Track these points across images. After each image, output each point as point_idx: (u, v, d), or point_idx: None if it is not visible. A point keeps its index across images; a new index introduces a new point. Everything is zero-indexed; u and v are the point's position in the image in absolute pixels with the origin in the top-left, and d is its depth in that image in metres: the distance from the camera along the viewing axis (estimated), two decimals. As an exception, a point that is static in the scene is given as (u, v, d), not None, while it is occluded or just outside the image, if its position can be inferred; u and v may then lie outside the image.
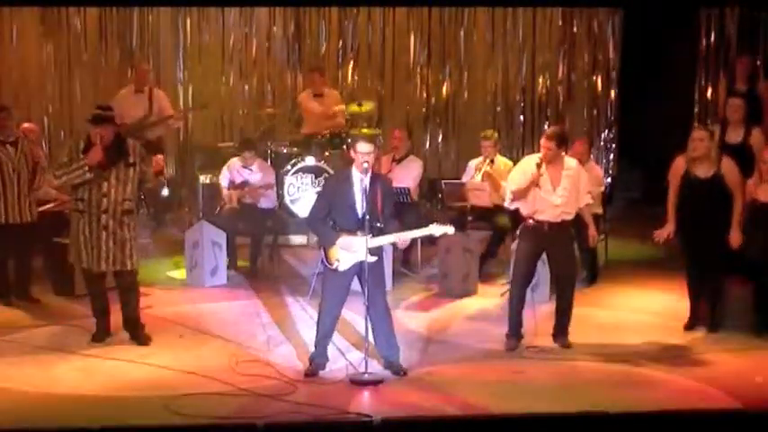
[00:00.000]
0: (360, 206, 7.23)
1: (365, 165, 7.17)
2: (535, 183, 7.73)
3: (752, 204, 8.20)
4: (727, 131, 9.46)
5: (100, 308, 8.04)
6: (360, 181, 7.22)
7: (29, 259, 9.16)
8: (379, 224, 7.20)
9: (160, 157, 8.99)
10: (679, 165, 8.29)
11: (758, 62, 11.79)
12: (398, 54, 13.34)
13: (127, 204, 7.84)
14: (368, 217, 7.11)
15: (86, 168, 7.66)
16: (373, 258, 7.17)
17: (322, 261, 7.35)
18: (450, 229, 7.38)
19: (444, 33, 13.36)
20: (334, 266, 7.24)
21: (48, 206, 9.34)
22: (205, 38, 13.14)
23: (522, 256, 7.97)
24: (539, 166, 7.73)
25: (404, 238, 7.40)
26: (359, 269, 7.26)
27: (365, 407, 6.79)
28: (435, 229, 7.34)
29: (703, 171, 8.17)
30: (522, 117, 13.47)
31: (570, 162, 7.95)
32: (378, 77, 13.37)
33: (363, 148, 7.20)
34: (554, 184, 7.80)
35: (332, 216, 7.31)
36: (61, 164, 7.79)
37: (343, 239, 7.21)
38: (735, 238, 8.15)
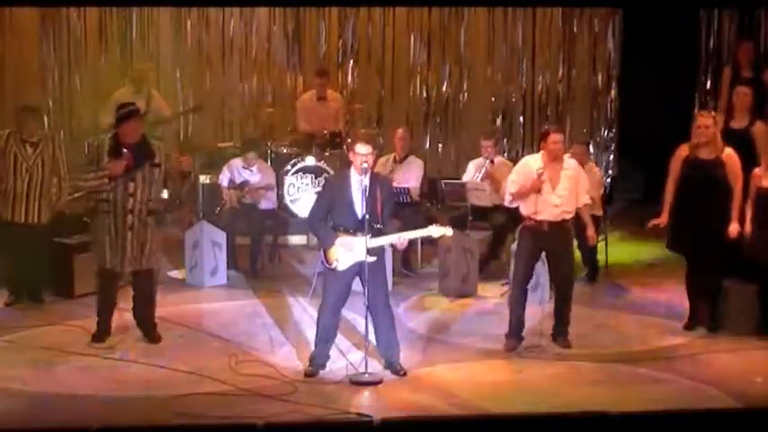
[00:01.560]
0: (359, 207, 7.23)
1: (365, 165, 7.18)
2: (536, 189, 7.73)
3: (757, 194, 8.16)
4: (732, 118, 9.47)
5: (107, 308, 8.01)
6: (359, 182, 7.22)
7: (37, 261, 9.13)
8: (378, 225, 7.20)
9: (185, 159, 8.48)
10: (681, 151, 8.28)
11: (761, 50, 11.78)
12: (398, 54, 13.33)
13: (152, 205, 7.86)
14: (367, 217, 7.12)
15: (106, 180, 7.67)
16: (372, 259, 7.17)
17: (322, 261, 7.35)
18: (448, 231, 7.40)
19: (444, 33, 13.36)
20: (333, 266, 7.25)
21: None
22: (205, 38, 13.13)
23: (521, 255, 7.98)
24: (539, 174, 7.73)
25: (403, 238, 7.39)
26: (359, 269, 7.26)
27: (365, 407, 6.80)
28: (434, 231, 7.36)
29: (706, 153, 8.17)
30: (521, 117, 13.46)
31: (569, 162, 7.96)
32: (378, 77, 13.36)
33: (362, 149, 7.21)
34: (553, 184, 7.81)
35: (331, 217, 7.32)
36: (80, 166, 7.80)
37: (343, 239, 7.21)
38: (733, 228, 8.13)
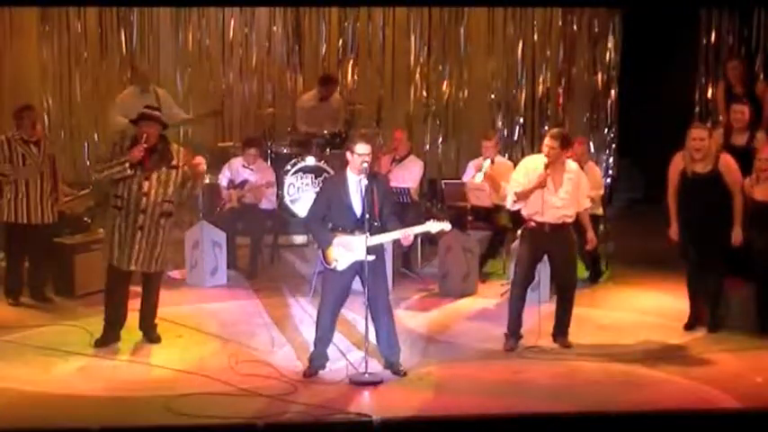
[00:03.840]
0: (357, 207, 7.23)
1: (365, 165, 7.18)
2: (542, 184, 7.73)
3: (750, 204, 8.20)
4: (732, 135, 9.43)
5: (115, 311, 7.95)
6: (356, 182, 7.23)
7: (44, 259, 9.13)
8: (377, 223, 7.20)
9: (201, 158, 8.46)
10: (677, 162, 8.29)
11: (756, 62, 11.77)
12: (398, 54, 13.34)
13: (166, 206, 7.84)
14: (367, 216, 7.12)
15: (127, 165, 7.64)
16: (372, 257, 7.18)
17: (321, 261, 7.35)
18: (446, 226, 7.38)
19: (444, 33, 13.36)
20: (332, 266, 7.24)
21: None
22: (205, 38, 13.14)
23: (523, 257, 7.98)
24: (546, 166, 7.73)
25: (405, 234, 7.37)
26: (359, 268, 7.26)
27: (365, 407, 6.79)
28: (432, 226, 7.35)
29: (702, 167, 8.18)
30: (522, 117, 13.47)
31: (572, 165, 7.97)
32: (378, 77, 13.37)
33: (362, 149, 7.21)
34: (556, 186, 7.81)
35: (329, 218, 7.31)
36: (101, 158, 7.81)
37: (341, 239, 7.21)
38: (737, 235, 8.15)
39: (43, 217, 8.89)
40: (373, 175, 7.36)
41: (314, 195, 7.58)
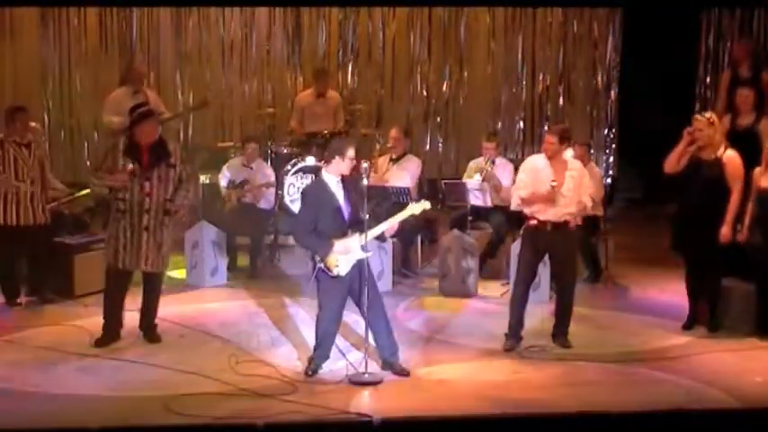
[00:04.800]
0: (344, 208, 7.24)
1: (364, 166, 7.22)
2: (551, 198, 7.73)
3: (757, 194, 8.17)
4: (737, 117, 9.46)
5: (115, 311, 7.96)
6: (335, 184, 7.25)
7: (41, 260, 9.14)
8: (366, 218, 7.22)
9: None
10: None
11: (760, 49, 11.79)
12: (398, 54, 13.35)
13: (168, 205, 7.85)
14: (362, 216, 7.15)
15: (126, 178, 7.66)
16: (369, 254, 7.21)
17: (320, 269, 7.25)
18: (426, 204, 7.36)
19: (444, 33, 13.38)
20: (335, 273, 7.20)
21: (49, 205, 9.31)
22: (205, 38, 13.15)
23: (525, 257, 7.98)
24: (553, 187, 7.72)
25: (391, 224, 7.38)
26: (357, 269, 7.23)
27: (365, 407, 6.79)
28: (414, 208, 7.34)
29: (706, 154, 8.20)
30: (521, 117, 13.47)
31: (574, 163, 7.97)
32: (378, 77, 13.37)
33: (353, 153, 7.24)
34: (558, 185, 7.79)
35: (318, 226, 7.27)
36: (97, 167, 7.82)
37: (339, 244, 7.17)
38: (725, 233, 8.13)
39: (35, 219, 8.86)
40: (344, 176, 7.37)
41: (300, 209, 7.51)
